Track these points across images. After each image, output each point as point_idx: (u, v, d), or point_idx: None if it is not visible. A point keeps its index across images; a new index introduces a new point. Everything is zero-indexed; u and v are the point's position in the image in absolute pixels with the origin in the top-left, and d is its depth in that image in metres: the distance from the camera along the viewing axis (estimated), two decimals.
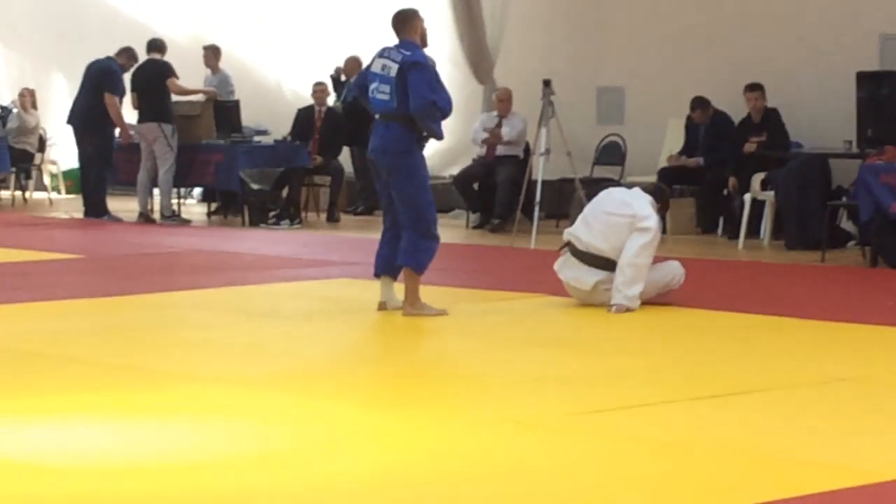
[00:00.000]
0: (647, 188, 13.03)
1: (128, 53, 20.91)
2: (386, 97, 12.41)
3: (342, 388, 9.61)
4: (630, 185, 13.08)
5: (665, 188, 13.43)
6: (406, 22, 12.72)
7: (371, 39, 21.96)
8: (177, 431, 8.50)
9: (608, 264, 12.37)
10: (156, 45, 20.85)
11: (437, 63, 21.26)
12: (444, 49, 21.10)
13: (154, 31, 21.91)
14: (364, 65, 20.09)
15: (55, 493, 7.16)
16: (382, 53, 12.54)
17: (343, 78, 22.03)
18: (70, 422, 8.67)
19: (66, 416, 8.79)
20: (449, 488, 7.32)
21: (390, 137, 12.45)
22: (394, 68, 12.37)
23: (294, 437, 8.37)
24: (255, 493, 7.13)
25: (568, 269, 12.67)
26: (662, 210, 12.86)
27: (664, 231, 12.95)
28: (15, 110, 24.03)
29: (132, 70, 20.63)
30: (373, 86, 12.46)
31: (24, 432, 8.43)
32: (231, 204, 21.46)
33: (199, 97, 21.18)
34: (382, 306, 12.52)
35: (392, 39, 12.50)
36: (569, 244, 12.68)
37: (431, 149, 21.44)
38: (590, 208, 12.92)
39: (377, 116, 12.61)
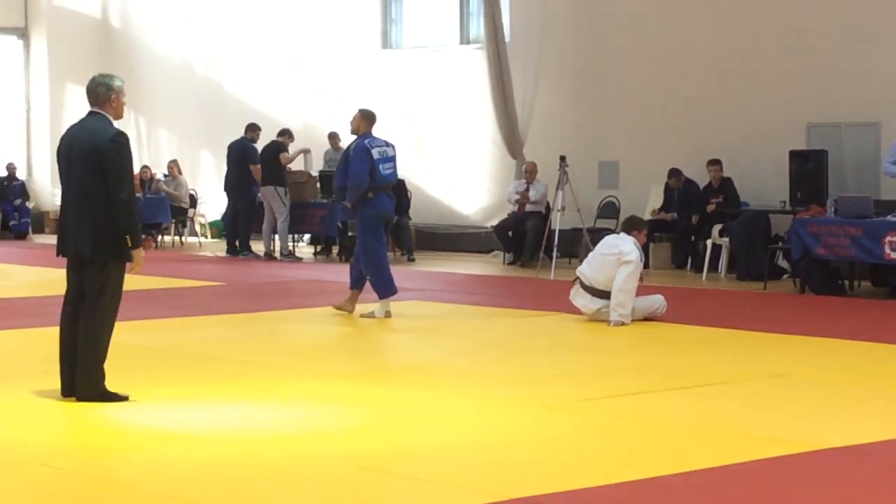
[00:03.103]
0: (626, 221, 13.22)
1: (252, 128, 20.92)
2: (393, 171, 13.11)
3: (416, 379, 9.72)
4: (619, 233, 13.22)
5: (635, 217, 13.47)
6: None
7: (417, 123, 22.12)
8: (294, 411, 8.63)
9: (605, 294, 12.49)
10: (281, 132, 20.92)
11: (469, 143, 21.83)
12: (486, 132, 21.21)
13: (272, 118, 22.00)
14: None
15: (203, 456, 7.31)
16: (375, 144, 12.93)
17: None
18: (216, 404, 8.79)
19: (214, 400, 8.91)
20: (493, 453, 7.43)
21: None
22: (392, 152, 13.07)
23: (381, 415, 8.49)
24: (351, 455, 7.26)
25: (578, 298, 12.78)
26: (643, 232, 13.01)
27: (647, 265, 12.99)
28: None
29: (265, 145, 20.68)
30: (380, 166, 12.87)
31: (183, 412, 8.57)
32: (332, 246, 21.56)
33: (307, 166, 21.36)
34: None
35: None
36: (578, 279, 12.82)
37: (476, 205, 21.63)
38: (592, 252, 13.08)
39: (381, 186, 12.94)
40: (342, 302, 13.27)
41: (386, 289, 13.03)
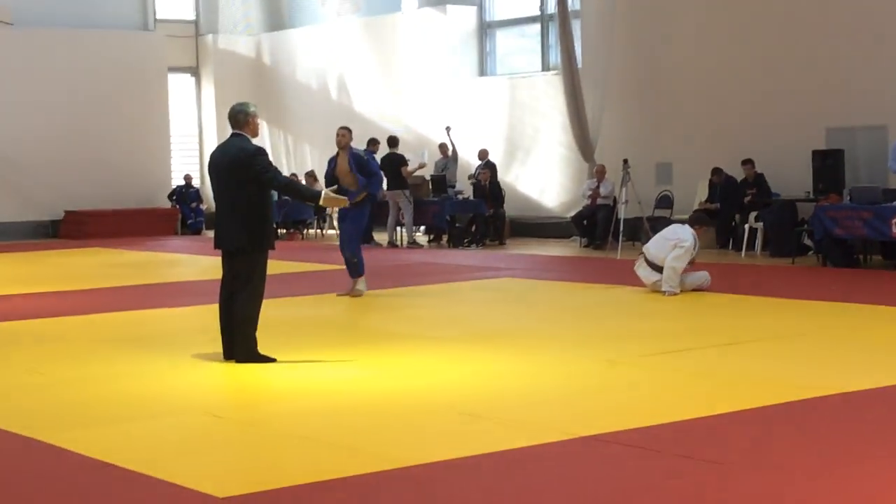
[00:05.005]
0: (692, 216, 13.05)
1: (373, 142, 20.90)
2: None
3: (506, 341, 9.68)
4: (683, 222, 13.14)
5: (702, 215, 13.34)
6: None
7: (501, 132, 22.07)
8: (409, 368, 8.63)
9: (662, 270, 12.39)
10: (393, 142, 21.03)
11: (550, 149, 21.50)
12: (564, 141, 21.13)
13: (391, 132, 22.01)
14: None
15: (335, 405, 7.34)
16: None
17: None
18: (347, 364, 8.81)
19: (345, 361, 8.92)
20: (567, 399, 7.41)
21: None
22: None
23: (477, 369, 8.48)
24: (453, 404, 7.26)
25: (641, 269, 12.68)
26: (703, 228, 12.82)
27: (695, 246, 12.80)
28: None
29: (383, 156, 20.76)
30: None
31: (320, 370, 8.62)
32: (442, 235, 21.61)
33: (424, 174, 21.38)
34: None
35: None
36: (643, 254, 12.71)
37: (557, 200, 21.55)
38: (658, 234, 12.97)
39: None
40: (350, 290, 12.89)
41: (363, 268, 12.89)
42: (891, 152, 15.47)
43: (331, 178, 12.75)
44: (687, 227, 12.69)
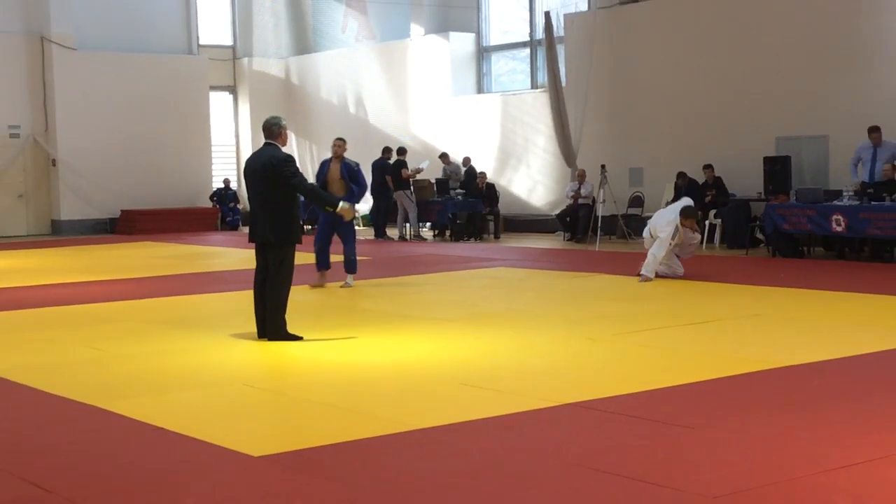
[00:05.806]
0: (682, 208, 12.45)
1: (387, 150, 20.82)
2: None
3: (500, 322, 9.63)
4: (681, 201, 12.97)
5: (690, 208, 12.48)
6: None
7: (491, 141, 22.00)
8: (416, 345, 8.56)
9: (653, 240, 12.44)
10: (400, 151, 20.96)
11: (538, 156, 21.27)
12: (550, 148, 21.06)
13: (400, 142, 22.00)
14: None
15: (352, 377, 7.30)
16: None
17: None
18: (363, 341, 8.76)
19: (361, 338, 8.88)
20: (552, 372, 7.35)
21: None
22: None
23: (476, 347, 8.42)
24: (454, 375, 7.21)
25: (645, 232, 12.75)
26: (689, 220, 12.27)
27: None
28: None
29: (393, 161, 20.72)
30: None
31: (340, 346, 8.56)
32: (445, 230, 21.54)
33: (429, 177, 21.31)
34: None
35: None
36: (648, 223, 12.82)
37: (544, 199, 21.47)
38: (665, 209, 13.09)
39: None
40: (318, 280, 12.29)
41: (356, 266, 12.43)
42: (853, 157, 15.51)
43: (322, 183, 12.13)
44: (676, 219, 12.36)
